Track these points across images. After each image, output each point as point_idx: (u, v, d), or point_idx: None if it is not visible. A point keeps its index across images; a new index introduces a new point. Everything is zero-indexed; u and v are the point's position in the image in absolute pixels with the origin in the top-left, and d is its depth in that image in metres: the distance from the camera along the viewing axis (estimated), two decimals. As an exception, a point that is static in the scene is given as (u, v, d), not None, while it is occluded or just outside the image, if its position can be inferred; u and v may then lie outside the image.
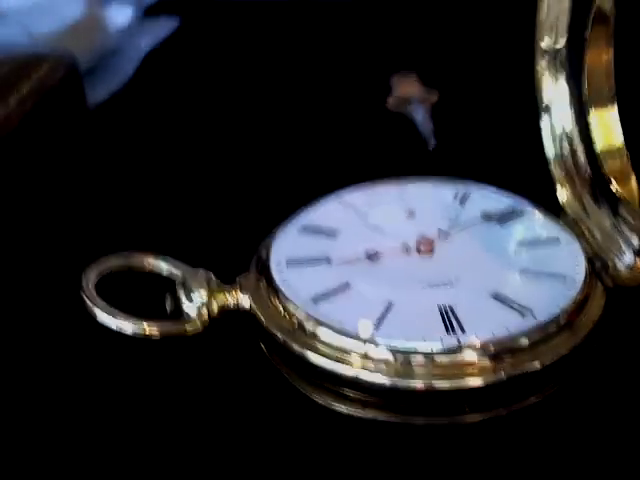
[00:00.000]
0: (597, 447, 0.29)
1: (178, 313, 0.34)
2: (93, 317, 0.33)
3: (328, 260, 0.34)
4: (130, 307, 0.33)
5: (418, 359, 0.30)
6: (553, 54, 0.37)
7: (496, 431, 0.30)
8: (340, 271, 0.34)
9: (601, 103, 0.35)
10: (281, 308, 0.33)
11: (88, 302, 0.33)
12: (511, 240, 0.36)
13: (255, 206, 0.42)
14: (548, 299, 0.32)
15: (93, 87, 0.53)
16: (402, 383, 0.30)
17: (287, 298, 0.32)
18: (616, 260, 0.34)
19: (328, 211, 0.37)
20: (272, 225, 0.37)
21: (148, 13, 0.64)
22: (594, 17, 0.34)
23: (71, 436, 0.30)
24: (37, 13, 0.54)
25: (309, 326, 0.31)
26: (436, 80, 0.53)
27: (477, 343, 0.30)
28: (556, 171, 0.38)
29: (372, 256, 0.34)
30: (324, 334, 0.31)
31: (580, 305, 0.32)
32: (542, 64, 0.37)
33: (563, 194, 0.37)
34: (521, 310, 0.31)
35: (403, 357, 0.30)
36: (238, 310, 0.34)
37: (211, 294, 0.33)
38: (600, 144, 0.35)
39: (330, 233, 0.36)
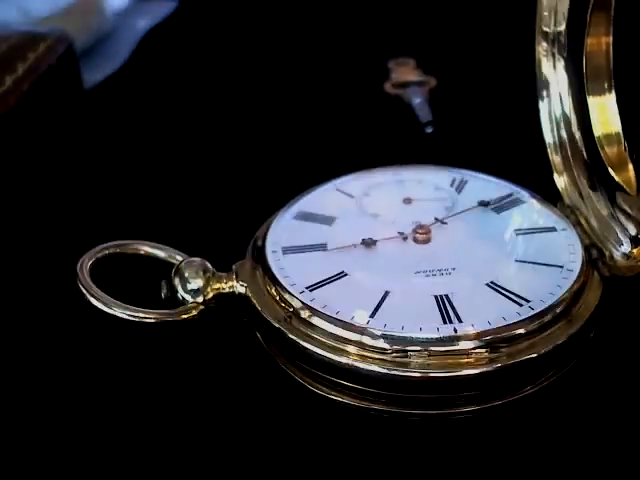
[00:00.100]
0: (593, 437, 0.29)
1: (174, 301, 0.33)
2: (88, 304, 0.33)
3: (324, 248, 0.34)
4: (126, 295, 0.33)
5: (414, 348, 0.30)
6: (553, 38, 0.37)
7: (492, 421, 0.30)
8: (336, 259, 0.34)
9: (600, 89, 0.35)
10: (276, 295, 0.33)
11: (83, 289, 0.33)
12: (508, 228, 0.36)
13: (251, 193, 0.42)
14: (544, 288, 0.32)
15: (89, 69, 0.53)
16: (398, 372, 0.30)
17: (283, 286, 0.32)
18: (613, 249, 0.33)
19: (324, 198, 0.37)
20: (268, 213, 0.36)
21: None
22: (595, 2, 0.33)
23: (67, 420, 0.30)
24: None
25: (305, 314, 0.31)
26: (434, 66, 0.52)
27: (473, 332, 0.30)
28: (554, 158, 0.38)
29: (368, 244, 0.34)
30: (319, 322, 0.31)
31: (576, 294, 0.32)
32: (542, 48, 0.37)
33: (561, 181, 0.37)
34: (517, 299, 0.31)
35: (399, 346, 0.30)
36: (234, 298, 0.34)
37: (207, 282, 0.33)
38: (598, 130, 0.35)
39: (326, 221, 0.36)
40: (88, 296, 0.33)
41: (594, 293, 0.33)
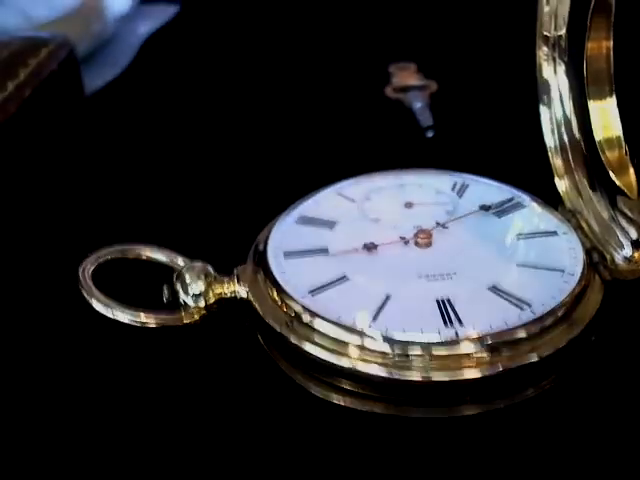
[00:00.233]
0: (594, 440, 0.29)
1: (175, 305, 0.33)
2: (90, 308, 0.33)
3: (325, 252, 0.34)
4: (128, 299, 0.33)
5: (415, 351, 0.30)
6: (554, 42, 0.37)
7: (493, 424, 0.30)
8: (337, 263, 0.34)
9: (600, 93, 0.35)
10: (278, 299, 0.33)
11: (85, 293, 0.33)
12: (509, 232, 0.36)
13: (253, 197, 0.42)
14: (546, 292, 0.32)
15: (90, 74, 0.53)
16: (399, 375, 0.30)
17: (284, 289, 0.32)
18: (614, 253, 0.33)
19: (326, 202, 0.37)
20: (270, 216, 0.37)
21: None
22: (595, 6, 0.34)
23: (69, 424, 0.30)
24: (35, -1, 0.54)
25: (306, 318, 0.31)
26: (435, 70, 0.52)
27: (475, 335, 0.30)
28: (555, 161, 0.38)
29: (370, 248, 0.34)
30: (321, 326, 0.31)
31: (578, 298, 0.32)
32: (542, 52, 0.37)
33: (562, 185, 0.37)
34: (519, 303, 0.31)
35: (400, 349, 0.30)
36: (235, 301, 0.34)
37: (208, 285, 0.33)
38: (599, 134, 0.35)
39: (328, 225, 0.36)
40: (90, 300, 0.33)
41: (595, 297, 0.33)
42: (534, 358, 0.30)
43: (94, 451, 0.30)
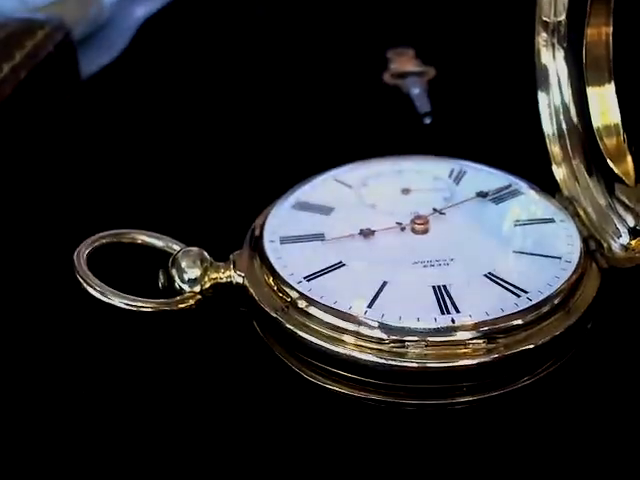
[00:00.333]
0: (590, 428, 0.29)
1: (171, 290, 0.33)
2: (86, 293, 0.33)
3: (322, 237, 0.34)
4: (123, 284, 0.33)
5: (411, 338, 0.30)
6: (553, 28, 0.36)
7: (489, 411, 0.30)
8: (334, 249, 0.34)
9: (599, 80, 0.35)
10: (274, 285, 0.32)
11: (80, 278, 0.33)
12: (506, 219, 0.35)
13: (249, 183, 0.42)
14: (542, 279, 0.32)
15: (86, 58, 0.52)
16: (395, 363, 0.30)
17: (280, 276, 0.32)
18: (611, 241, 0.33)
19: (322, 188, 0.37)
20: (266, 202, 0.36)
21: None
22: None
23: (64, 409, 0.30)
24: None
25: (302, 304, 0.31)
26: (433, 56, 0.52)
27: (471, 323, 0.30)
28: (553, 148, 0.37)
29: (366, 234, 0.34)
30: (317, 312, 0.31)
31: (574, 286, 0.32)
32: (541, 38, 0.37)
33: (559, 172, 0.37)
34: (515, 290, 0.31)
35: (396, 336, 0.30)
36: (231, 287, 0.34)
37: (204, 271, 0.33)
38: (597, 121, 0.35)
39: (324, 211, 0.36)
40: (85, 285, 0.33)
41: (592, 284, 0.33)
42: (530, 346, 0.30)
43: (90, 435, 0.30)
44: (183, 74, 0.52)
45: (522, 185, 0.37)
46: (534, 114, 0.38)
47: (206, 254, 0.34)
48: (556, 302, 0.31)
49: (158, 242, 0.35)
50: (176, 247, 0.35)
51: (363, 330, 0.30)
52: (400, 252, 0.33)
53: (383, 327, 0.30)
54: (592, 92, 0.35)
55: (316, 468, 0.29)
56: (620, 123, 0.34)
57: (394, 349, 0.30)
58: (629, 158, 0.33)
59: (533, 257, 0.33)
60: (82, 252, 0.34)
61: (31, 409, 0.30)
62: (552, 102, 0.37)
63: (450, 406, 0.30)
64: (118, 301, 0.32)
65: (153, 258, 0.34)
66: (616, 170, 0.34)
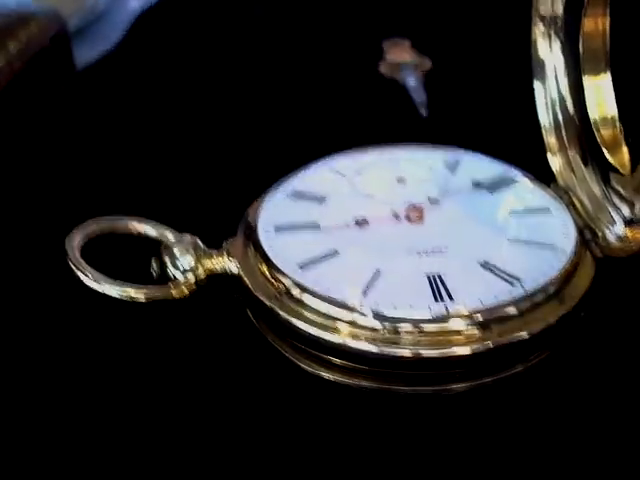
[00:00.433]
0: (582, 416, 0.29)
1: (164, 278, 0.33)
2: (78, 281, 0.33)
3: (316, 226, 0.34)
4: (116, 272, 0.33)
5: (405, 327, 0.30)
6: (550, 19, 0.36)
7: (482, 399, 0.30)
8: (328, 238, 0.33)
9: (596, 71, 0.35)
10: (268, 274, 0.32)
11: (73, 266, 0.33)
12: (501, 209, 0.35)
13: (243, 171, 0.41)
14: (537, 268, 0.32)
15: (81, 49, 0.52)
16: (389, 351, 0.30)
17: (274, 264, 0.32)
18: (606, 230, 0.33)
19: (317, 177, 0.37)
20: (260, 190, 0.36)
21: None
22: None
23: (55, 398, 0.30)
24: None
25: (296, 293, 0.31)
26: (429, 47, 0.52)
27: (465, 312, 0.30)
28: (549, 139, 0.37)
29: (361, 223, 0.34)
30: (311, 301, 0.31)
31: (569, 275, 0.32)
32: (538, 29, 0.37)
33: (555, 162, 0.37)
34: (510, 279, 0.31)
35: (390, 325, 0.30)
36: (225, 275, 0.33)
37: (198, 259, 0.33)
38: (594, 112, 0.35)
39: (319, 199, 0.36)
40: (78, 273, 0.33)
41: (586, 274, 0.33)
42: (524, 334, 0.30)
43: (80, 418, 0.29)
44: (178, 66, 0.52)
45: (517, 175, 0.37)
46: (530, 104, 0.38)
47: (199, 242, 0.34)
48: (550, 291, 0.31)
49: (151, 230, 0.35)
50: (169, 235, 0.34)
51: (357, 318, 0.30)
52: (395, 241, 0.33)
53: (377, 315, 0.30)
54: (589, 83, 0.35)
55: (310, 455, 0.28)
56: (616, 114, 0.34)
57: (388, 338, 0.30)
58: (625, 149, 0.33)
59: (528, 246, 0.33)
60: (75, 239, 0.34)
61: (21, 398, 0.30)
62: (548, 93, 0.37)
63: (443, 393, 0.30)
64: (111, 289, 0.32)
65: (146, 246, 0.34)
66: (612, 160, 0.34)
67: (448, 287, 0.31)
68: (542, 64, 0.37)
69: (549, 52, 0.37)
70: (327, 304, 0.31)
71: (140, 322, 0.33)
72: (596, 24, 0.35)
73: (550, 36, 0.37)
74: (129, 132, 0.45)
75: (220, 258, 0.33)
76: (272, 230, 0.34)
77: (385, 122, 0.46)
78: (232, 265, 0.33)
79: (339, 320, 0.31)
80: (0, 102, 0.41)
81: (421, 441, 0.29)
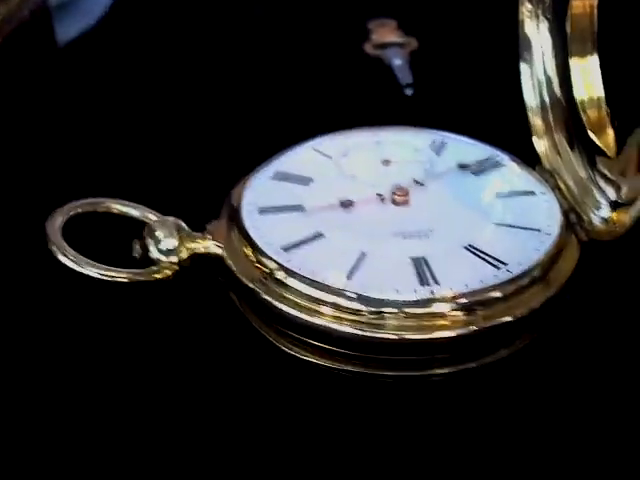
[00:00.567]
0: (567, 400, 0.29)
1: (147, 261, 0.33)
2: (59, 263, 0.32)
3: (301, 208, 0.34)
4: (99, 254, 0.33)
5: (390, 310, 0.30)
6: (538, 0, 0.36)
7: (467, 383, 0.30)
8: (313, 220, 0.33)
9: (583, 52, 0.35)
10: (252, 256, 0.32)
11: (54, 248, 0.32)
12: (486, 191, 0.35)
13: (227, 152, 0.41)
14: (522, 252, 0.32)
15: (63, 24, 0.51)
16: (373, 334, 0.30)
17: (258, 246, 0.32)
18: (591, 214, 0.33)
19: (302, 159, 0.37)
20: (244, 172, 0.36)
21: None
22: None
23: (39, 381, 0.30)
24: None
25: (280, 275, 0.31)
26: (415, 27, 0.52)
27: (450, 295, 0.30)
28: (535, 120, 0.37)
29: (346, 205, 0.34)
30: (295, 283, 0.31)
31: (554, 258, 0.32)
32: (525, 9, 0.36)
33: (540, 145, 0.37)
34: (495, 262, 0.31)
35: (375, 308, 0.30)
36: (208, 258, 0.33)
37: (181, 241, 0.33)
38: (580, 94, 0.35)
39: (303, 181, 0.35)
40: (59, 255, 0.32)
41: (572, 257, 0.33)
42: (509, 318, 0.30)
43: (66, 407, 0.29)
44: (162, 42, 0.52)
45: (503, 157, 0.37)
46: (516, 86, 0.37)
47: (183, 224, 0.33)
48: (535, 274, 0.31)
49: (134, 211, 0.34)
50: (152, 217, 0.34)
51: (341, 302, 0.30)
52: (380, 223, 0.33)
53: (362, 299, 0.30)
54: (575, 64, 0.35)
55: (293, 439, 0.28)
56: (603, 96, 0.34)
57: (372, 321, 0.30)
58: (611, 131, 0.33)
59: (513, 229, 0.33)
60: (56, 221, 0.33)
61: (2, 382, 0.30)
62: (535, 74, 0.37)
63: (428, 377, 0.30)
64: (92, 271, 0.32)
65: (128, 228, 0.34)
66: (598, 142, 0.34)
67: (433, 270, 0.31)
68: (529, 44, 0.37)
69: (536, 32, 0.37)
70: (311, 287, 0.31)
71: (122, 304, 0.33)
72: (584, 5, 0.34)
73: (537, 16, 0.36)
74: (112, 112, 0.45)
75: (204, 240, 0.33)
76: (256, 212, 0.34)
77: (370, 102, 0.45)
78: (216, 247, 0.33)
79: (323, 303, 0.30)
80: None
81: (405, 425, 0.29)
